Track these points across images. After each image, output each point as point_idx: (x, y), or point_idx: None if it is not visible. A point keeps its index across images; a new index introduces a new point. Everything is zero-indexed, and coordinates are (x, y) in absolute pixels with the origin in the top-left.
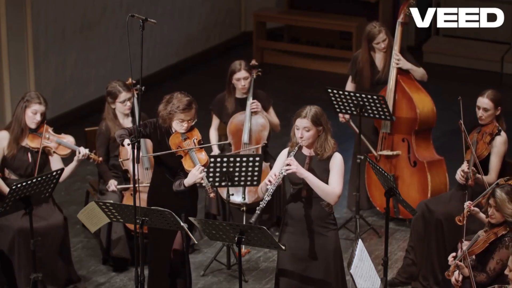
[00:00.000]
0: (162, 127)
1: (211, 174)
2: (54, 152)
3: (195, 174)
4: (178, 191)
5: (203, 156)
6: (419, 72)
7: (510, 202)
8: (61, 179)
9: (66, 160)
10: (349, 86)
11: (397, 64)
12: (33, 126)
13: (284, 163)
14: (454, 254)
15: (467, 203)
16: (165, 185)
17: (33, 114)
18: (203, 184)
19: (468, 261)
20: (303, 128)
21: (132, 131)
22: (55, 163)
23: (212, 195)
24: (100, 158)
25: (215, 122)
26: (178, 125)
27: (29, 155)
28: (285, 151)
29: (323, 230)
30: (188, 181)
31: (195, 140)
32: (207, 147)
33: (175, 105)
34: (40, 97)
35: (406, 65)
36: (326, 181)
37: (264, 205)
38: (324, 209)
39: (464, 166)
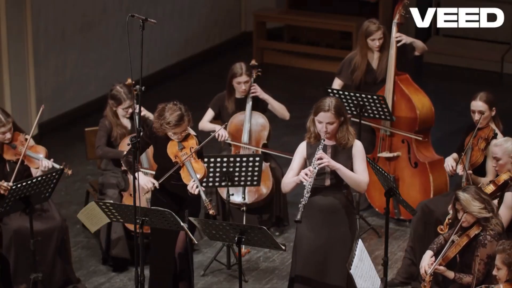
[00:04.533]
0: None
1: (211, 174)
2: (26, 164)
3: (189, 191)
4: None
5: (200, 166)
6: (420, 44)
7: (474, 200)
8: None
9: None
10: (336, 84)
11: (400, 41)
12: (6, 142)
13: (315, 157)
14: (432, 260)
15: (450, 207)
16: (168, 184)
17: (1, 135)
18: (203, 198)
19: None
20: (326, 122)
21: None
22: (36, 172)
23: (211, 212)
24: (70, 171)
25: (209, 115)
26: (172, 136)
27: (7, 165)
28: (303, 144)
29: (345, 218)
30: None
31: (191, 149)
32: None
33: (166, 119)
34: (1, 118)
35: (408, 39)
36: (350, 168)
37: (306, 202)
38: (347, 197)
39: (459, 169)
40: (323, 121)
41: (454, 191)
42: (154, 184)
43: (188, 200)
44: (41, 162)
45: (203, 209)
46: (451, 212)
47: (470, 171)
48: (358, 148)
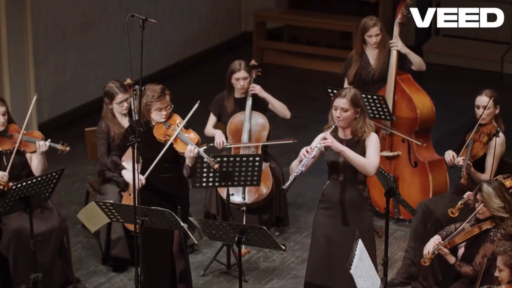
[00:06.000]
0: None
1: (211, 174)
2: (23, 150)
3: (189, 156)
4: (188, 175)
5: (192, 135)
6: (417, 60)
7: (496, 196)
8: (36, 173)
9: (52, 159)
10: (346, 84)
11: (395, 46)
12: (1, 128)
13: (320, 136)
14: (438, 241)
15: (466, 195)
16: (154, 178)
17: None
18: (204, 160)
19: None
20: (341, 108)
21: (120, 153)
22: (34, 160)
23: (216, 166)
24: (68, 148)
25: (212, 121)
26: (158, 116)
27: (4, 157)
28: (322, 135)
29: (358, 214)
30: (189, 163)
31: (178, 123)
32: (206, 143)
33: (149, 95)
34: None
35: (403, 49)
36: None
37: (298, 174)
38: (362, 193)
39: (460, 160)
40: (338, 106)
41: (454, 192)
42: (141, 181)
43: (177, 194)
44: (38, 143)
45: (202, 209)
46: (464, 197)
47: (470, 163)
48: (372, 139)
